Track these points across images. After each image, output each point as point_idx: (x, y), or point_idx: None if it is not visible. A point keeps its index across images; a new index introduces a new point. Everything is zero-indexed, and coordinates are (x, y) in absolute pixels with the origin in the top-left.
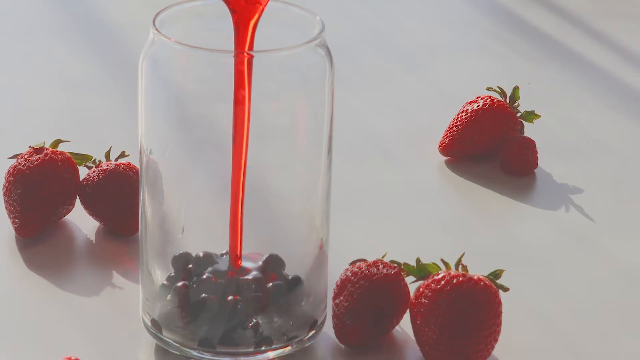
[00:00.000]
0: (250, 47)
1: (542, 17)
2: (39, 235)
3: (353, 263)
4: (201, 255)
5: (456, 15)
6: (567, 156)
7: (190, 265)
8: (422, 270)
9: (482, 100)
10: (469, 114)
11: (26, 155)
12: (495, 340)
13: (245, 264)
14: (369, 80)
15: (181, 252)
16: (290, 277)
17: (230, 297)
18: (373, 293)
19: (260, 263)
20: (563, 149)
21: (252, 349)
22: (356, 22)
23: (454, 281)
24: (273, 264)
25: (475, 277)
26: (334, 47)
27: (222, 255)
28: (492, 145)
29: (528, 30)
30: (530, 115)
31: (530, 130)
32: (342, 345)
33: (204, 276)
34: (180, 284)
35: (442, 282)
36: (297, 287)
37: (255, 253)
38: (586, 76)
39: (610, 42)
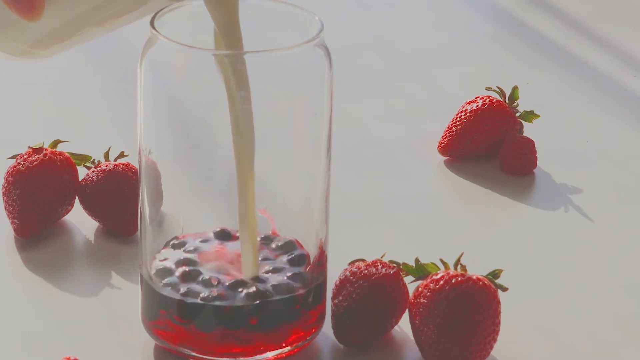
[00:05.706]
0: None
1: (541, 20)
2: (38, 235)
3: (352, 263)
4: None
5: (456, 17)
6: (567, 156)
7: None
8: (420, 270)
9: (481, 100)
10: (468, 114)
11: (25, 156)
12: (494, 340)
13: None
14: (368, 82)
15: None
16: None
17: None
18: (372, 293)
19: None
20: (562, 148)
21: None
22: (356, 26)
23: (453, 281)
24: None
25: (474, 277)
26: (334, 51)
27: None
28: (491, 145)
29: (527, 33)
30: (530, 115)
31: (529, 130)
32: (341, 345)
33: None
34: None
35: (441, 282)
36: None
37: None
38: (585, 77)
39: (608, 44)
